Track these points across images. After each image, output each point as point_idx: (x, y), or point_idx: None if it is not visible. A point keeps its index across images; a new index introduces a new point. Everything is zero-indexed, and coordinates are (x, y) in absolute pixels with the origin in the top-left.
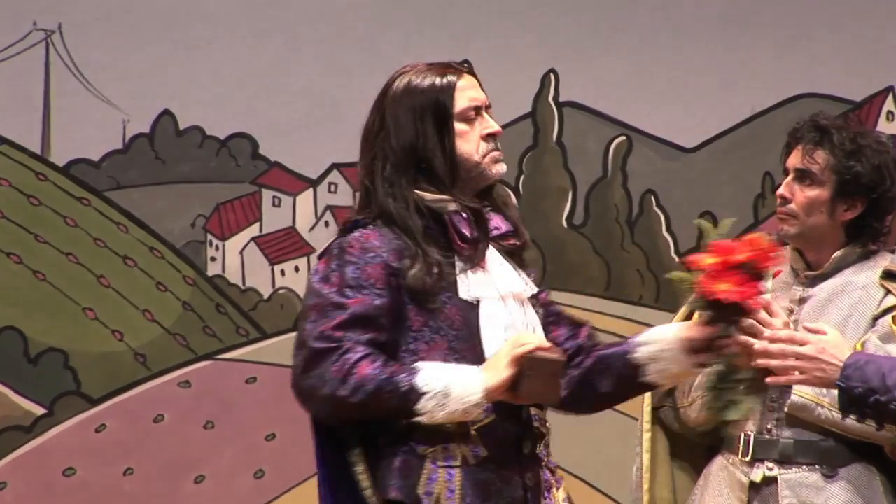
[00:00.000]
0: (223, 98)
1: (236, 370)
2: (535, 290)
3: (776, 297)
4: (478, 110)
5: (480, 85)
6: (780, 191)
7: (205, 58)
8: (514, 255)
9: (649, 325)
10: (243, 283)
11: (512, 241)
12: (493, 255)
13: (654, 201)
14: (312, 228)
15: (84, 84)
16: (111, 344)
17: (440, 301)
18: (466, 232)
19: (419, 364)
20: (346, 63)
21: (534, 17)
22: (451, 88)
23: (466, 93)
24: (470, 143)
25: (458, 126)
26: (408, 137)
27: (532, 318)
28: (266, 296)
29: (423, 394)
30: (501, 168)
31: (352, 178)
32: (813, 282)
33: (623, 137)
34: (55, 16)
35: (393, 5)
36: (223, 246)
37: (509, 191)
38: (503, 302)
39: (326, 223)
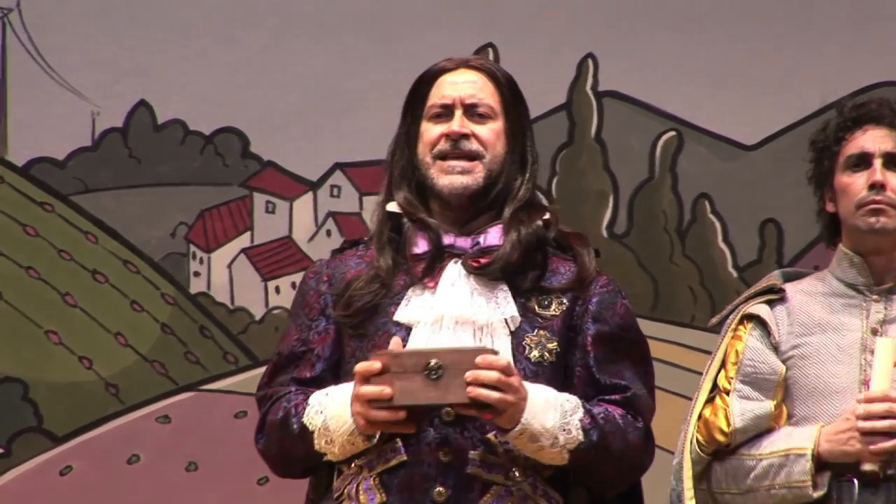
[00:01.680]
0: (208, 88)
1: (223, 403)
2: (510, 314)
3: (841, 321)
4: (448, 108)
5: (500, 81)
6: (876, 177)
7: (187, 41)
8: (511, 276)
9: (702, 350)
10: (232, 301)
11: (483, 260)
12: (451, 273)
13: (708, 207)
14: (312, 239)
15: (47, 70)
16: (78, 373)
17: (373, 327)
18: (415, 248)
19: (311, 397)
20: (350, 47)
21: None
22: (428, 85)
23: (442, 88)
24: (426, 143)
25: (423, 126)
26: (392, 142)
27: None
28: (258, 317)
29: (312, 432)
30: (450, 182)
31: (356, 180)
32: (889, 296)
33: (672, 133)
34: None
35: None
36: (208, 259)
37: (549, 207)
38: (438, 326)
39: (328, 232)
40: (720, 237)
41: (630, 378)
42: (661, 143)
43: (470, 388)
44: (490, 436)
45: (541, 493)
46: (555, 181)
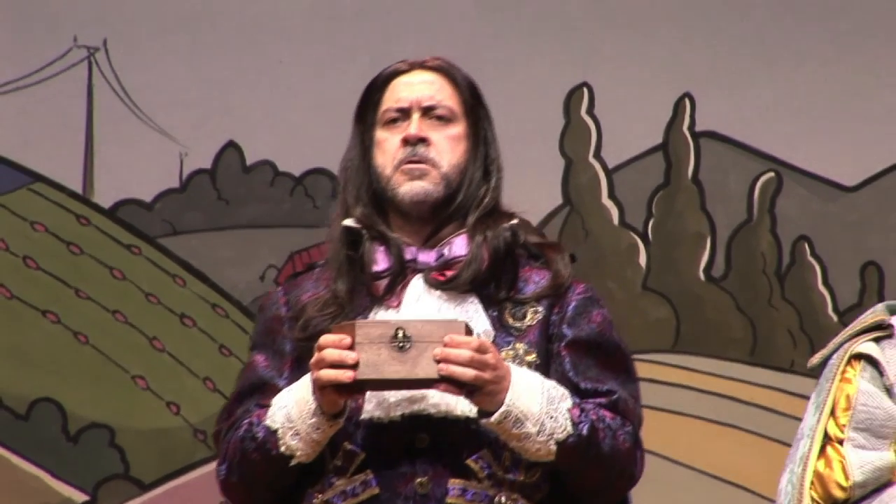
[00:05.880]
0: (298, 128)
1: None
2: (482, 329)
3: None
4: (404, 112)
5: (459, 82)
6: None
7: (277, 80)
8: (480, 287)
9: (802, 396)
10: None
11: (448, 271)
12: (415, 289)
13: (808, 250)
14: None
15: (133, 111)
16: (166, 418)
17: None
18: (376, 265)
19: (274, 399)
20: None
21: (665, 30)
22: (381, 89)
23: (397, 91)
24: (386, 153)
25: (379, 133)
26: (345, 154)
27: None
28: None
29: (275, 431)
30: (411, 189)
31: None
32: None
33: (771, 174)
34: (100, 30)
35: (499, 18)
36: None
37: (518, 217)
38: None
39: None
40: (820, 280)
41: (612, 384)
42: (759, 184)
43: (441, 366)
44: (470, 462)
45: None
46: (651, 223)
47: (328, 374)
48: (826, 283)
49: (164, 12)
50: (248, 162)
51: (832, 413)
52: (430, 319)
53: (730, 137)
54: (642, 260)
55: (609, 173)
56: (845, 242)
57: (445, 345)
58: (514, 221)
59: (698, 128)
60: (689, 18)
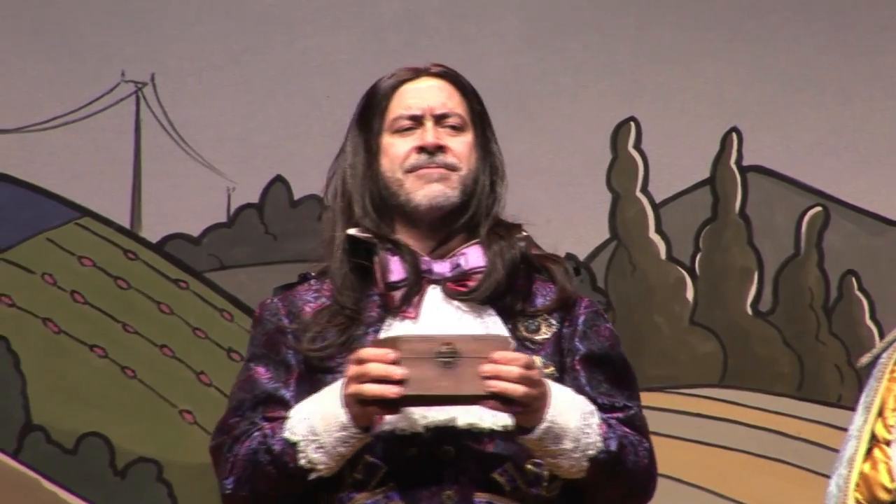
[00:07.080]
0: None
1: None
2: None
3: None
4: (417, 119)
5: (467, 90)
6: None
7: (324, 115)
8: (497, 298)
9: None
10: None
11: (467, 282)
12: (432, 300)
13: (855, 284)
14: None
15: (181, 145)
16: None
17: (344, 361)
18: (391, 275)
19: (292, 410)
20: (493, 121)
21: (711, 65)
22: (388, 95)
23: (405, 98)
24: (394, 159)
25: (387, 140)
26: (342, 160)
27: None
28: None
29: (295, 444)
30: (430, 191)
31: None
32: None
33: (819, 208)
34: (147, 65)
35: (546, 54)
36: None
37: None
38: None
39: None
40: (868, 315)
41: (624, 399)
42: (806, 218)
43: (492, 383)
44: (496, 475)
45: None
46: (698, 258)
47: (373, 388)
48: (873, 317)
49: (212, 47)
50: (296, 196)
51: (880, 413)
52: (477, 335)
53: (777, 172)
54: (689, 294)
55: (656, 207)
56: (893, 277)
57: (495, 361)
58: (526, 233)
59: (745, 162)
60: (736, 53)
